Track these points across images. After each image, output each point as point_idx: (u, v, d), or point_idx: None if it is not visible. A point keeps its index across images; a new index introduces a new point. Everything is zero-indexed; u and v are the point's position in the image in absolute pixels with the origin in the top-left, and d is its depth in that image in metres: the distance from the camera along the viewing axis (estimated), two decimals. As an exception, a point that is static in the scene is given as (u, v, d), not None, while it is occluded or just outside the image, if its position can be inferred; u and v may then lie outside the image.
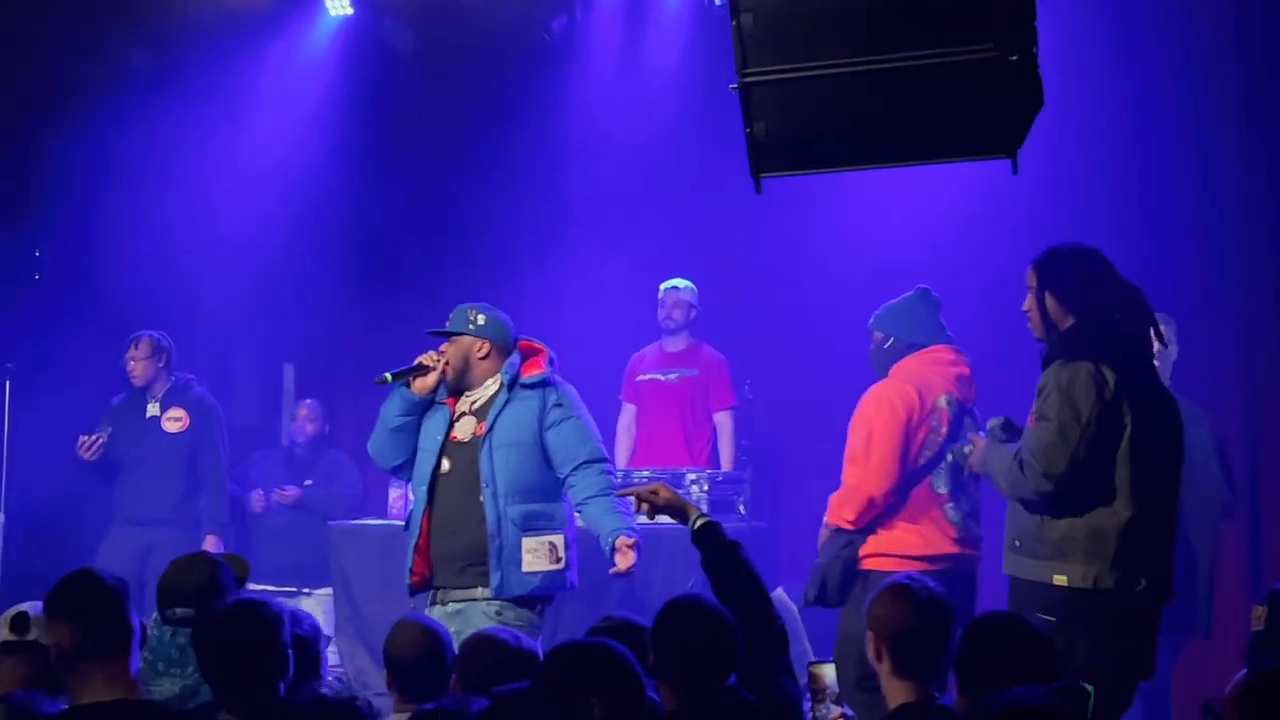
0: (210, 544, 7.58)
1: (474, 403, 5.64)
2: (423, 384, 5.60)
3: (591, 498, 5.48)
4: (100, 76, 8.60)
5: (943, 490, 5.55)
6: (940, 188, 7.50)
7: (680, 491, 7.13)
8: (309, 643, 3.87)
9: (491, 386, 5.64)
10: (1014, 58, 3.75)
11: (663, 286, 8.04)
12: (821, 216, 8.11)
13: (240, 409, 9.31)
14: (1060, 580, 4.62)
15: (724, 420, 7.97)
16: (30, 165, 8.46)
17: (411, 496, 7.35)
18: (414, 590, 5.62)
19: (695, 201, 8.60)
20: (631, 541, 5.33)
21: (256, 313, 9.26)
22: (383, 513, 7.84)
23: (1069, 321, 4.74)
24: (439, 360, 5.62)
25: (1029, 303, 4.84)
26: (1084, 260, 4.80)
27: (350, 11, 8.92)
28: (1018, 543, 4.78)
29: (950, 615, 3.79)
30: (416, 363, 5.61)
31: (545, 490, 5.53)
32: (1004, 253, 8.00)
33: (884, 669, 3.76)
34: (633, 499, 4.65)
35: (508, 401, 5.58)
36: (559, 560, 5.46)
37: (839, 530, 5.61)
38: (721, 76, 4.33)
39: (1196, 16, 7.47)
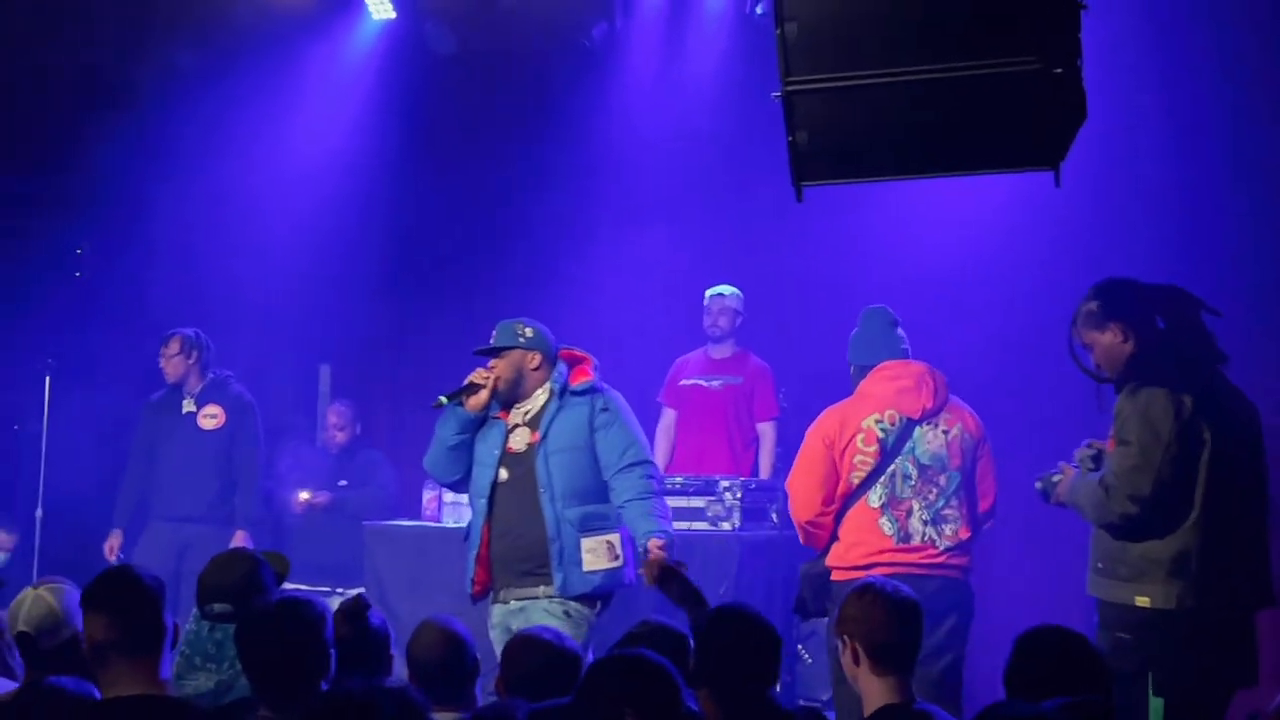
0: (239, 540, 7.60)
1: (526, 413, 5.79)
2: (475, 401, 5.76)
3: (630, 500, 5.61)
4: (144, 77, 8.68)
5: (875, 505, 5.81)
6: (980, 198, 7.49)
7: (713, 499, 7.24)
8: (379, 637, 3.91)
9: (541, 396, 5.79)
10: (1058, 70, 3.75)
11: (709, 293, 8.03)
12: (861, 225, 8.09)
13: (276, 408, 9.36)
14: (1142, 602, 4.65)
15: (767, 430, 7.97)
16: (73, 164, 8.54)
17: (468, 507, 7.55)
18: (475, 599, 5.79)
19: (734, 209, 8.61)
20: (662, 543, 5.42)
21: (294, 313, 9.31)
22: (416, 514, 7.86)
23: (1132, 349, 4.75)
24: (489, 377, 5.77)
25: (1091, 337, 4.86)
26: (1141, 286, 4.83)
27: (393, 15, 8.96)
28: (1100, 564, 4.82)
29: (919, 612, 3.83)
30: (467, 382, 5.77)
31: (600, 492, 5.68)
32: (1043, 264, 8.02)
33: (861, 671, 3.78)
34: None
35: (559, 409, 5.74)
36: (617, 558, 5.63)
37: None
38: (762, 85, 4.34)
39: (1236, 27, 7.44)
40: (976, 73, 3.81)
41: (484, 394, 5.75)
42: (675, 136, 8.63)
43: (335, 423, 8.61)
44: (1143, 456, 4.62)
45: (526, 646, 4.02)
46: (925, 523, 5.80)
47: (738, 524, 7.21)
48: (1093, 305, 4.85)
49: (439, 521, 7.65)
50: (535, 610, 5.50)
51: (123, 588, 3.63)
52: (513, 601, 5.63)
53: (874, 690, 3.78)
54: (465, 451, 5.83)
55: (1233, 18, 7.46)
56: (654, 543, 5.42)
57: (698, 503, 7.28)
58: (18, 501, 8.24)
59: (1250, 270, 7.32)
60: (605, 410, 5.75)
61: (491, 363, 5.82)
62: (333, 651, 3.58)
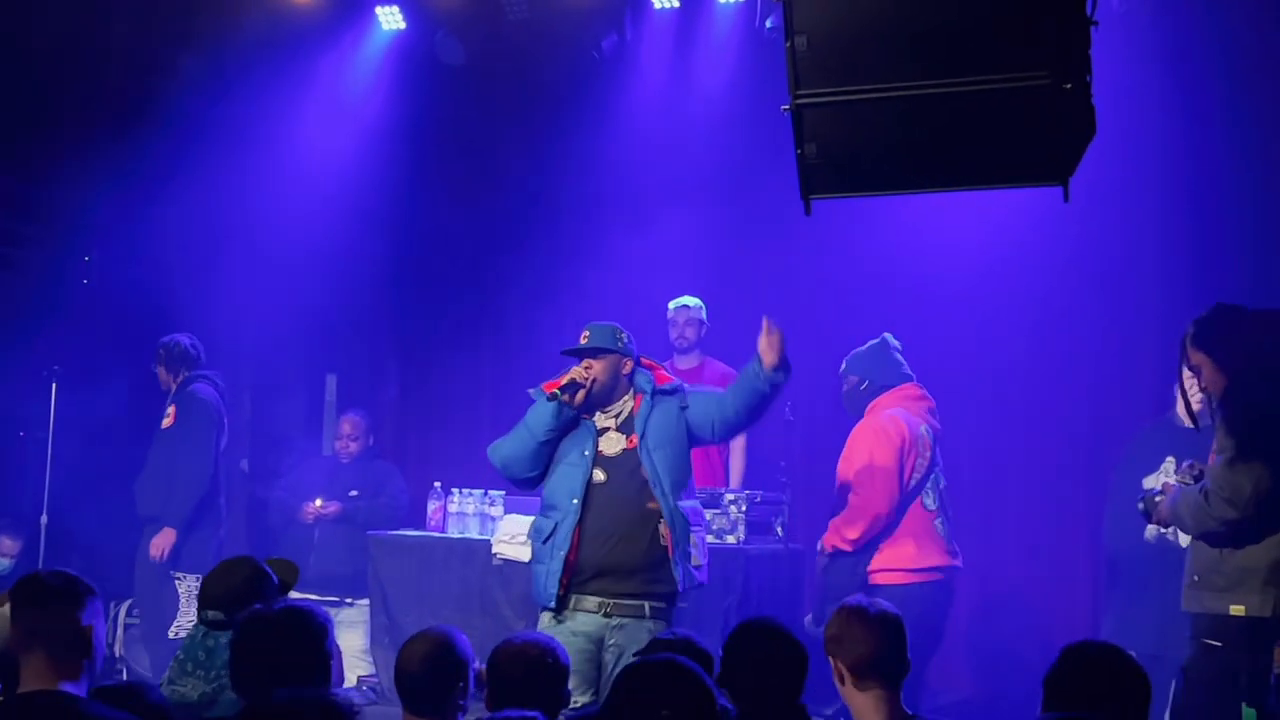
0: (162, 537, 7.62)
1: (617, 416, 5.83)
2: (575, 400, 5.75)
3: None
4: (152, 86, 8.69)
5: (932, 507, 6.45)
6: (986, 211, 7.50)
7: (717, 511, 7.23)
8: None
9: (629, 401, 5.84)
10: (1067, 85, 3.76)
11: (672, 305, 8.04)
12: (868, 237, 8.10)
13: (284, 418, 9.37)
14: (1237, 610, 4.73)
15: (737, 439, 7.97)
16: (80, 172, 8.54)
17: (454, 509, 7.54)
18: (559, 601, 5.65)
19: (742, 221, 8.61)
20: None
21: (301, 323, 9.31)
22: (421, 524, 7.85)
23: (1225, 378, 4.85)
24: (588, 377, 5.76)
25: (1197, 359, 4.96)
26: (1237, 314, 4.96)
27: (403, 26, 8.98)
28: (1196, 578, 4.91)
29: (901, 627, 3.89)
30: (567, 379, 5.74)
31: (692, 488, 5.84)
32: (1049, 278, 8.02)
33: (848, 689, 3.85)
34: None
35: (653, 408, 5.80)
36: (704, 554, 5.76)
37: (839, 553, 6.44)
38: (771, 98, 4.34)
39: (1247, 42, 7.45)
40: (986, 87, 3.81)
41: (583, 393, 5.74)
42: (683, 148, 8.64)
43: (349, 432, 8.60)
44: (1243, 462, 4.70)
45: (512, 658, 3.96)
46: (950, 530, 6.51)
47: (743, 537, 7.19)
48: (1190, 331, 4.97)
49: (443, 532, 7.64)
50: (640, 629, 5.48)
51: (21, 589, 3.70)
52: (615, 617, 5.58)
53: (862, 706, 3.83)
54: (552, 449, 5.80)
55: (1243, 28, 7.47)
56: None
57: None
58: (23, 508, 8.24)
59: (1263, 280, 7.33)
60: (687, 394, 5.90)
61: (587, 362, 5.79)
62: (334, 662, 3.57)
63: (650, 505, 5.61)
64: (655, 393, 5.84)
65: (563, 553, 5.64)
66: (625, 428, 5.77)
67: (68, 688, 3.60)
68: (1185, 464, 5.19)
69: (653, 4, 8.62)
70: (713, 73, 8.60)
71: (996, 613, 7.17)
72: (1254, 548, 4.76)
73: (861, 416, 6.69)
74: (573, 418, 5.79)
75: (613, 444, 5.76)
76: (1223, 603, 4.78)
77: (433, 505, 7.74)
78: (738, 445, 7.94)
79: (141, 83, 8.72)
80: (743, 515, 7.21)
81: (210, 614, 4.23)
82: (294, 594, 4.83)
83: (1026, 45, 3.73)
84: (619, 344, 5.83)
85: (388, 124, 9.13)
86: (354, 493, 8.39)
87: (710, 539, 7.18)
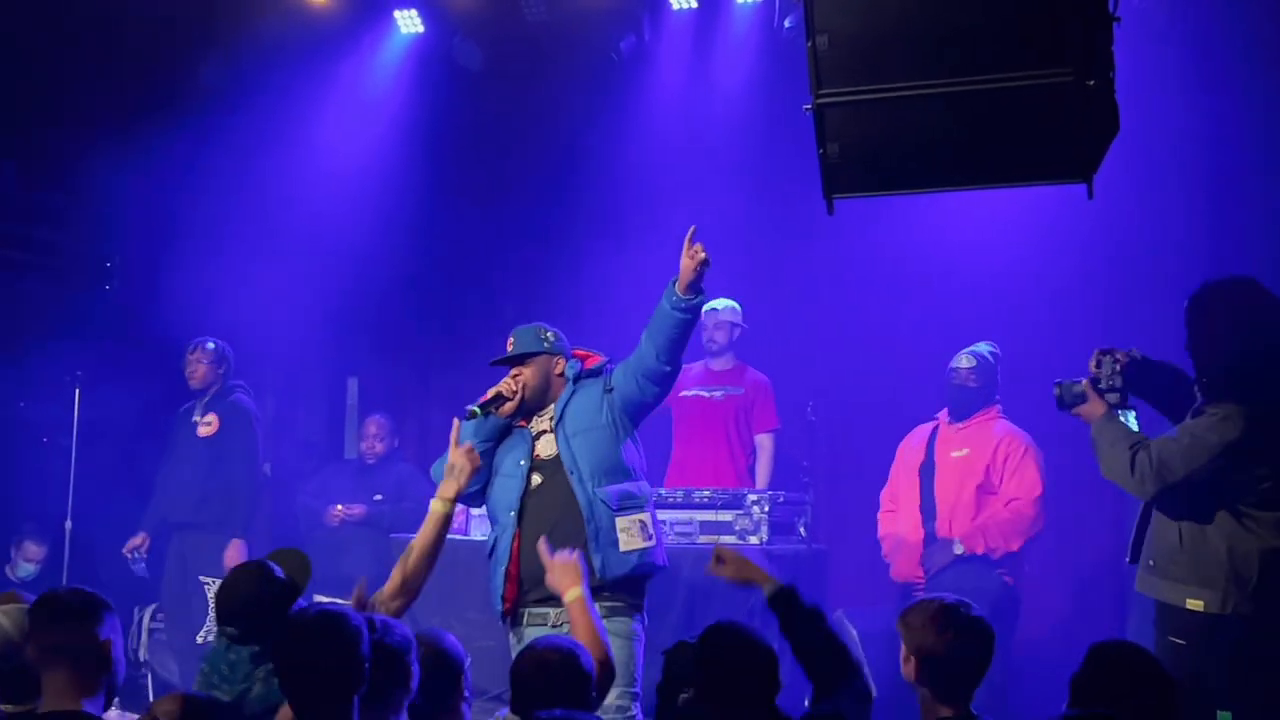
0: (233, 549, 7.69)
1: (551, 419, 5.63)
2: (504, 410, 5.59)
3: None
4: (173, 91, 8.71)
5: None
6: (1007, 208, 7.49)
7: (740, 512, 7.22)
8: (399, 655, 3.86)
9: (567, 390, 5.66)
10: (1090, 82, 3.75)
11: (704, 308, 8.03)
12: (891, 236, 8.08)
13: (306, 422, 9.39)
14: (1195, 605, 4.63)
15: (765, 442, 7.97)
16: (101, 177, 8.57)
17: (476, 513, 7.49)
18: (507, 616, 5.54)
19: (764, 222, 8.60)
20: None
21: (322, 326, 9.33)
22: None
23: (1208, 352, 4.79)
24: (516, 386, 5.59)
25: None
26: (1232, 290, 4.90)
27: (421, 29, 8.98)
28: (1152, 562, 4.81)
29: (991, 638, 3.82)
30: (494, 393, 5.58)
31: (626, 470, 5.54)
32: (1071, 276, 8.00)
33: (923, 692, 3.81)
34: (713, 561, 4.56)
35: (573, 394, 5.61)
36: (650, 538, 5.48)
37: (977, 557, 6.79)
38: (791, 98, 4.33)
39: (1268, 33, 7.42)
40: (1009, 85, 3.81)
41: (511, 404, 5.57)
42: (703, 149, 8.63)
43: (374, 433, 8.62)
44: (1189, 451, 4.63)
45: (537, 668, 3.92)
46: None
47: (765, 538, 7.18)
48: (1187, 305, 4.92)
49: (466, 535, 7.63)
50: None
51: (40, 609, 3.76)
52: (565, 625, 5.16)
53: (932, 709, 3.81)
54: (486, 462, 5.58)
55: (1264, 18, 7.44)
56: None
57: (725, 516, 7.26)
58: (47, 513, 8.27)
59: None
60: (613, 373, 5.65)
61: (514, 371, 5.63)
62: (367, 666, 3.58)
63: (571, 496, 5.41)
64: (577, 378, 5.65)
65: (503, 567, 5.52)
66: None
67: (89, 706, 3.63)
68: (1103, 350, 5.12)
69: (670, 5, 8.61)
70: (732, 73, 8.59)
71: (1024, 614, 7.13)
72: (1213, 538, 4.66)
73: (966, 418, 7.03)
74: (502, 426, 5.64)
75: (548, 446, 5.58)
76: (1179, 594, 4.69)
77: (456, 509, 7.72)
78: (765, 448, 7.94)
79: (162, 88, 8.74)
80: (766, 516, 7.20)
81: (228, 630, 4.23)
82: (322, 597, 4.83)
83: (1049, 43, 3.73)
84: (545, 344, 5.65)
85: (407, 127, 9.14)
86: (378, 496, 8.40)
87: (732, 539, 7.19)
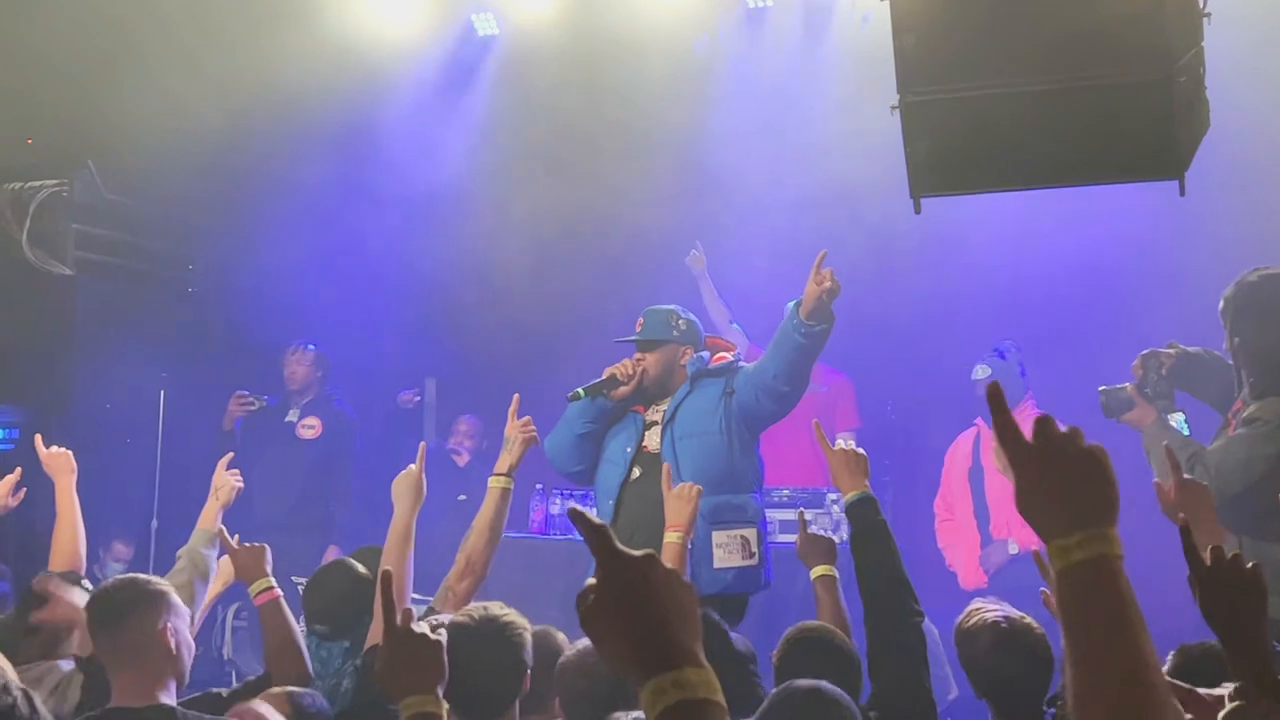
0: (331, 554, 7.74)
1: (664, 412, 5.48)
2: (618, 394, 5.45)
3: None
4: (251, 98, 8.76)
5: None
6: (1091, 207, 7.43)
7: (820, 511, 7.21)
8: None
9: (684, 389, 5.48)
10: (1182, 79, 3.72)
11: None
12: (975, 235, 8.02)
13: (383, 421, 9.45)
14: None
15: (847, 441, 7.94)
16: (182, 180, 8.66)
17: (555, 510, 7.51)
18: None
19: (847, 221, 8.55)
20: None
21: (400, 326, 9.40)
22: (524, 527, 7.87)
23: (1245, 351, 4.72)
24: (633, 373, 5.45)
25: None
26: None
27: (496, 31, 9.01)
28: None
29: (1046, 656, 3.79)
30: (609, 374, 5.45)
31: (735, 481, 5.31)
32: (1153, 274, 7.92)
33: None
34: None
35: (689, 392, 5.42)
36: (752, 555, 5.25)
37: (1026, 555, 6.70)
38: (874, 96, 4.32)
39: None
40: (1098, 83, 3.78)
41: (626, 389, 5.41)
42: (780, 148, 8.59)
43: (466, 430, 8.71)
44: (1251, 462, 4.57)
45: (582, 667, 3.93)
46: None
47: (845, 537, 7.14)
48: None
49: (546, 534, 7.66)
50: None
51: (94, 611, 3.80)
52: None
53: None
54: (593, 443, 5.51)
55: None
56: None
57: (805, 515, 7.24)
58: (133, 513, 8.37)
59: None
60: (738, 375, 5.41)
61: (638, 355, 5.48)
62: (528, 672, 3.62)
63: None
64: (697, 376, 5.43)
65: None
66: None
67: (164, 698, 3.64)
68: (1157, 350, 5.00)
69: (746, 2, 8.58)
70: (811, 71, 8.55)
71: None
72: (1274, 550, 4.51)
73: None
74: (616, 409, 5.46)
75: (656, 439, 5.42)
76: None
77: (535, 507, 7.77)
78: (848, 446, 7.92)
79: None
80: (845, 515, 7.17)
81: (319, 628, 4.27)
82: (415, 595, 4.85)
83: (1139, 40, 3.70)
84: (674, 332, 5.48)
85: (484, 128, 9.16)
86: (462, 497, 8.45)
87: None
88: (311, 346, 8.31)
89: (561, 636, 4.41)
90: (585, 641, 4.01)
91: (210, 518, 5.06)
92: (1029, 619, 3.89)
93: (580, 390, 5.42)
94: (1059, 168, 4.09)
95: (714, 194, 8.81)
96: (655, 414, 5.50)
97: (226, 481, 5.15)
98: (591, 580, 1.75)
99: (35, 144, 8.75)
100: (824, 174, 8.52)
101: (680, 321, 5.53)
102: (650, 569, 1.72)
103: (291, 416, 8.27)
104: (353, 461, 8.17)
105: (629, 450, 5.44)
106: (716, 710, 1.64)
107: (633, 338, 5.55)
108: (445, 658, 2.72)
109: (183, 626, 3.77)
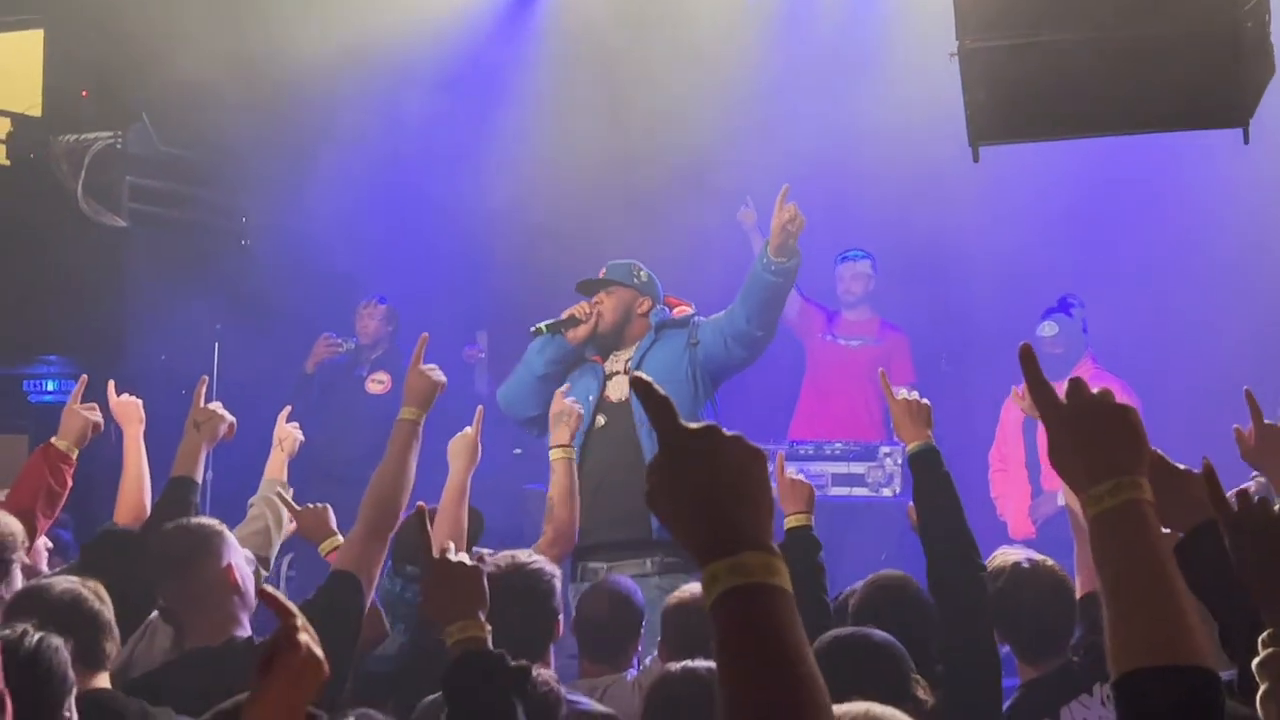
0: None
1: (627, 360, 5.56)
2: (574, 335, 5.55)
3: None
4: (306, 48, 8.76)
5: None
6: (1153, 159, 7.34)
7: (873, 465, 7.19)
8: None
9: (649, 338, 5.57)
10: (1248, 25, 3.65)
11: (838, 258, 7.99)
12: (1032, 186, 7.93)
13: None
14: None
15: (911, 392, 7.92)
16: (235, 132, 8.67)
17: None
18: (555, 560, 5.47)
19: (901, 171, 8.47)
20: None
21: (452, 277, 9.39)
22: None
23: None
24: (592, 311, 5.55)
25: None
26: None
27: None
28: None
29: (1066, 592, 3.89)
30: (567, 314, 5.57)
31: None
32: (1222, 230, 7.82)
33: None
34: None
35: (654, 342, 5.52)
36: None
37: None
38: (936, 42, 4.27)
39: None
40: (1161, 29, 3.72)
41: (583, 329, 5.51)
42: (836, 98, 8.50)
43: None
44: None
45: (687, 611, 3.97)
46: None
47: (899, 490, 7.15)
48: None
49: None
50: (646, 589, 4.97)
51: (154, 567, 3.91)
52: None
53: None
54: (552, 386, 5.52)
55: None
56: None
57: (858, 469, 7.24)
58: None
59: None
60: (701, 327, 5.47)
61: (597, 297, 5.58)
62: (560, 619, 3.74)
63: (639, 450, 5.30)
64: (660, 326, 5.52)
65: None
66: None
67: (238, 633, 3.69)
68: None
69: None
70: (868, 16, 8.44)
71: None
72: None
73: (1059, 379, 6.74)
74: (574, 354, 5.55)
75: (619, 389, 5.50)
76: None
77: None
78: None
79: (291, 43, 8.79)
80: (899, 468, 7.17)
81: (409, 569, 4.30)
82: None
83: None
84: (634, 280, 5.57)
85: (538, 72, 9.12)
86: (518, 451, 8.47)
87: (865, 492, 7.18)
88: (383, 301, 8.33)
89: (632, 587, 4.42)
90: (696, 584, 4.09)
91: (277, 467, 5.18)
92: (1051, 561, 3.92)
93: (543, 325, 5.54)
94: (1120, 115, 4.04)
95: (767, 144, 8.73)
96: (616, 363, 5.58)
97: (289, 433, 5.23)
98: (656, 456, 1.69)
99: (89, 97, 8.79)
100: (881, 123, 8.45)
101: (641, 273, 5.64)
102: (711, 444, 1.66)
103: (364, 371, 8.31)
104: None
105: (590, 399, 5.49)
106: (775, 595, 1.56)
107: (591, 280, 5.66)
108: (485, 585, 2.79)
109: (241, 561, 3.81)
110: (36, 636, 2.85)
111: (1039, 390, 1.95)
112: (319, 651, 2.08)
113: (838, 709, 1.86)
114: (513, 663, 2.71)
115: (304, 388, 8.21)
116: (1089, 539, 1.90)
